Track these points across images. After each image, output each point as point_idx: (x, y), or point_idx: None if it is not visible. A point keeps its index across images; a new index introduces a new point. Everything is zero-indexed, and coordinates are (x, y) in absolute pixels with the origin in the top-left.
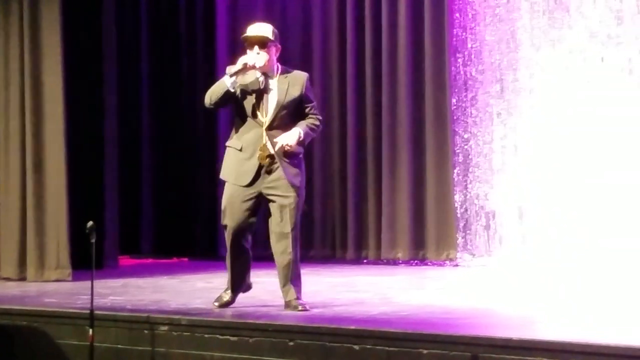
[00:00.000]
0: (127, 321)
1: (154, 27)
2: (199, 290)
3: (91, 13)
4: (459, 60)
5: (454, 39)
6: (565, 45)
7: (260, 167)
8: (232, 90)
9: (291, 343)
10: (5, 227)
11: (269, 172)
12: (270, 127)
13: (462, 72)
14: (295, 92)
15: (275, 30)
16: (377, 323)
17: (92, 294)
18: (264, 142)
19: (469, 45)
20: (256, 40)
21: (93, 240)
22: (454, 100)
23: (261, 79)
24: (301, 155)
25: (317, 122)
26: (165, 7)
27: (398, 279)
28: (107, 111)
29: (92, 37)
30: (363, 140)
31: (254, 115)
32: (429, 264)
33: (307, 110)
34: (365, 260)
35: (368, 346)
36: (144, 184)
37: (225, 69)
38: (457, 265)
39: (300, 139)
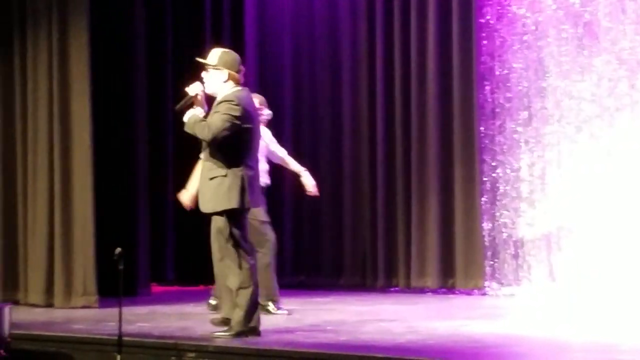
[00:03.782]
0: (155, 347)
1: (180, 49)
2: None
3: (120, 40)
4: (487, 87)
5: (482, 66)
6: (593, 72)
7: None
8: None
9: None
10: (32, 254)
11: None
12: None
13: (489, 100)
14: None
15: (228, 55)
16: (403, 351)
17: (120, 320)
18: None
19: (497, 73)
20: (202, 66)
21: (121, 267)
22: (482, 128)
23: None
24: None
25: (205, 128)
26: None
27: (425, 307)
28: (137, 137)
29: (121, 63)
30: (392, 169)
31: None
32: (457, 292)
33: None
34: (394, 289)
35: None
36: (168, 210)
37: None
38: (485, 293)
39: (187, 113)
